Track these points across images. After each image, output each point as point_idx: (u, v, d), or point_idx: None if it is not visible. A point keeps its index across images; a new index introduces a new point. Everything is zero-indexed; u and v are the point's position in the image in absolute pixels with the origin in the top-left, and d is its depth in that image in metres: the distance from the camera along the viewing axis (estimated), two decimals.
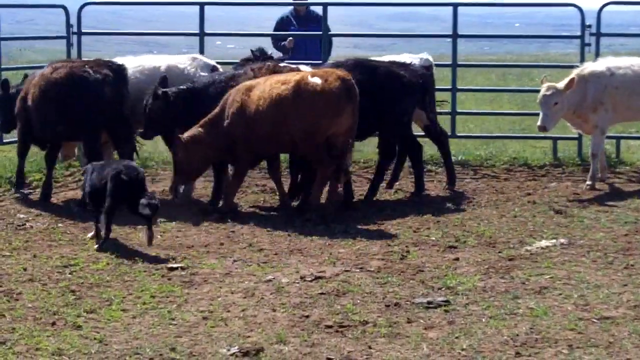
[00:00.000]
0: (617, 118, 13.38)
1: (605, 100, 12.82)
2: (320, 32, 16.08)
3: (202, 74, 12.88)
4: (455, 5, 15.75)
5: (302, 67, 12.65)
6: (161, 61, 13.37)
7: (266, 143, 11.70)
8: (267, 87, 11.57)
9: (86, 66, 12.26)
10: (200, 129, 11.76)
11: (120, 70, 12.42)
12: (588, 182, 12.95)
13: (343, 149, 11.58)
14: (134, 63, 13.14)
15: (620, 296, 8.42)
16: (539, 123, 12.60)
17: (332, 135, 11.42)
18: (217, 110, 11.77)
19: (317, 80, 11.36)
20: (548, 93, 12.49)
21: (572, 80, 12.51)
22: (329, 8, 15.95)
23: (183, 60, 13.22)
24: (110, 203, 10.07)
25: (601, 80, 12.85)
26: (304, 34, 16.44)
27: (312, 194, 11.71)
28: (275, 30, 16.79)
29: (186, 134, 11.69)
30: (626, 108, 13.09)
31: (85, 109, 11.98)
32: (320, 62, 15.07)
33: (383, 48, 40.30)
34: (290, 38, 16.23)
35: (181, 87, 12.25)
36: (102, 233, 10.26)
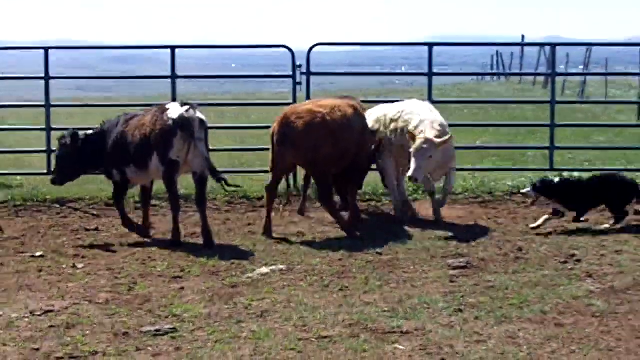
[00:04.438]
0: None
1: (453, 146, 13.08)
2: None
3: None
4: (172, 48, 15.82)
5: None
6: None
7: None
8: None
9: None
10: None
11: None
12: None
13: None
14: None
15: (337, 316, 8.61)
16: (410, 174, 12.39)
17: None
18: None
19: None
20: (425, 146, 12.37)
21: (450, 137, 12.58)
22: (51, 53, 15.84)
23: None
24: None
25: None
26: None
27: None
28: None
29: None
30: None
31: None
32: None
33: (107, 89, 40.04)
34: None
35: None
36: None
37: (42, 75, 15.80)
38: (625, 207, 12.57)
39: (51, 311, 8.91)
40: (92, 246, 12.04)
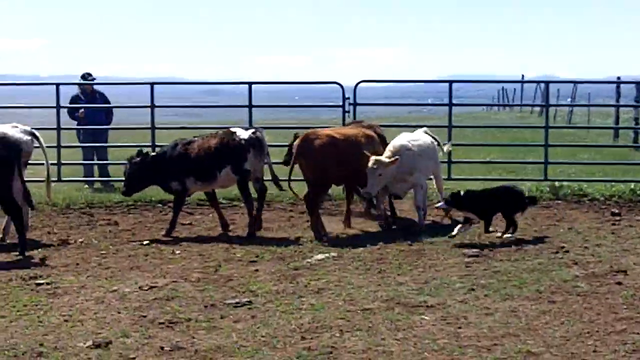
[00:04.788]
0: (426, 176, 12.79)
1: (417, 166, 12.25)
2: (105, 105, 17.40)
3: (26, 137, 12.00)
4: (250, 84, 15.92)
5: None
6: None
7: None
8: None
9: None
10: None
11: None
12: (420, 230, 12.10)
13: None
14: None
15: (376, 293, 8.61)
16: (366, 190, 11.80)
17: None
18: None
19: None
20: (375, 167, 11.71)
21: (396, 159, 11.83)
22: (155, 87, 16.02)
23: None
24: None
25: (411, 152, 12.19)
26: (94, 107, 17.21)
27: None
28: (70, 103, 17.15)
29: None
30: (426, 169, 12.65)
31: None
32: (105, 127, 16.81)
33: (199, 115, 40.22)
34: (82, 110, 16.95)
35: None
36: None
37: (149, 104, 15.93)
38: (516, 214, 11.57)
39: (155, 287, 8.97)
40: (186, 237, 12.11)
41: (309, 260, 10.31)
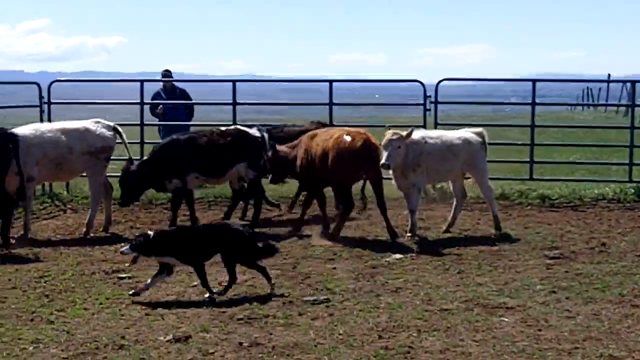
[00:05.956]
0: (429, 179, 12.22)
1: (421, 164, 11.69)
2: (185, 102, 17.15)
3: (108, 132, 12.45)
4: (330, 82, 15.97)
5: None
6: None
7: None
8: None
9: None
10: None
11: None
12: (408, 234, 11.65)
13: None
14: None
15: (455, 293, 8.57)
16: (383, 161, 11.25)
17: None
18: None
19: (347, 138, 11.57)
20: (394, 137, 11.35)
21: (411, 131, 11.56)
22: (238, 84, 16.20)
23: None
24: None
25: (418, 147, 11.69)
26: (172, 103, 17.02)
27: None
28: (152, 100, 17.11)
29: None
30: (435, 171, 11.96)
31: None
32: (185, 123, 16.38)
33: (280, 112, 40.48)
34: (161, 106, 16.88)
35: None
36: None
37: (230, 101, 16.08)
38: (241, 261, 8.69)
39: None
40: (265, 233, 12.17)
41: (387, 259, 10.30)
